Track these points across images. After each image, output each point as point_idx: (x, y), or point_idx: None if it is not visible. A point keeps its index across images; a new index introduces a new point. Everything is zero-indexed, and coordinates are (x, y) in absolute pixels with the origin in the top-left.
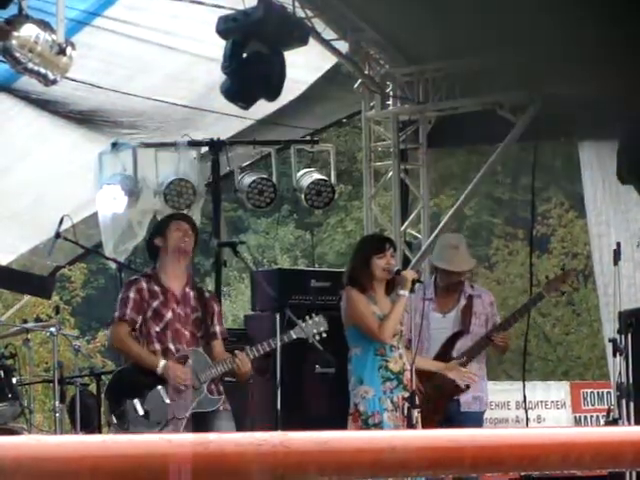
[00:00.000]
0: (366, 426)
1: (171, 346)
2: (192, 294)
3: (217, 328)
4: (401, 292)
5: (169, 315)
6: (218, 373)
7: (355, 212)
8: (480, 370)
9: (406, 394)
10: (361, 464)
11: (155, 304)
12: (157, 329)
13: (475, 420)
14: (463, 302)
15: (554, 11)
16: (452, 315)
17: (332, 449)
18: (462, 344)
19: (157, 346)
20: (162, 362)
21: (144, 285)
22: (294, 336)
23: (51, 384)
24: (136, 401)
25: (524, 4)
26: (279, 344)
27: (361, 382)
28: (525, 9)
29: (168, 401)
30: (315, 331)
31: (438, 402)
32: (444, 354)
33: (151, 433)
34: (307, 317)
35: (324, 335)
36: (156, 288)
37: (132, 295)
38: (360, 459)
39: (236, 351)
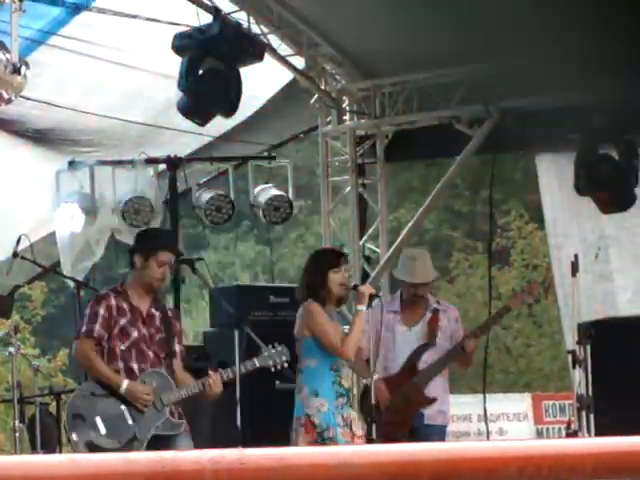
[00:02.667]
0: (321, 439)
1: (134, 365)
2: (157, 314)
3: (177, 347)
4: (359, 307)
5: (135, 334)
6: (181, 397)
7: (315, 227)
8: (444, 384)
9: (352, 412)
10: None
11: (122, 322)
12: (122, 347)
13: (439, 434)
14: (429, 316)
15: (508, 25)
16: (418, 328)
17: (289, 465)
18: (428, 357)
19: (120, 364)
20: (125, 382)
21: (113, 302)
22: (258, 364)
23: (12, 404)
24: (98, 420)
25: (480, 20)
26: (238, 364)
27: (316, 394)
28: (480, 25)
29: (130, 422)
30: (278, 360)
31: (406, 414)
32: (410, 366)
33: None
34: (271, 346)
35: (285, 365)
36: (124, 305)
37: (101, 311)
38: (317, 475)
39: (210, 372)
